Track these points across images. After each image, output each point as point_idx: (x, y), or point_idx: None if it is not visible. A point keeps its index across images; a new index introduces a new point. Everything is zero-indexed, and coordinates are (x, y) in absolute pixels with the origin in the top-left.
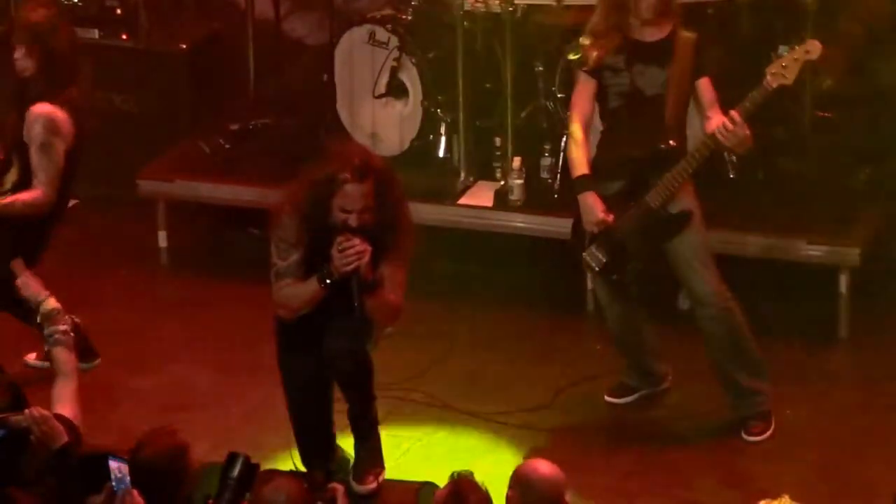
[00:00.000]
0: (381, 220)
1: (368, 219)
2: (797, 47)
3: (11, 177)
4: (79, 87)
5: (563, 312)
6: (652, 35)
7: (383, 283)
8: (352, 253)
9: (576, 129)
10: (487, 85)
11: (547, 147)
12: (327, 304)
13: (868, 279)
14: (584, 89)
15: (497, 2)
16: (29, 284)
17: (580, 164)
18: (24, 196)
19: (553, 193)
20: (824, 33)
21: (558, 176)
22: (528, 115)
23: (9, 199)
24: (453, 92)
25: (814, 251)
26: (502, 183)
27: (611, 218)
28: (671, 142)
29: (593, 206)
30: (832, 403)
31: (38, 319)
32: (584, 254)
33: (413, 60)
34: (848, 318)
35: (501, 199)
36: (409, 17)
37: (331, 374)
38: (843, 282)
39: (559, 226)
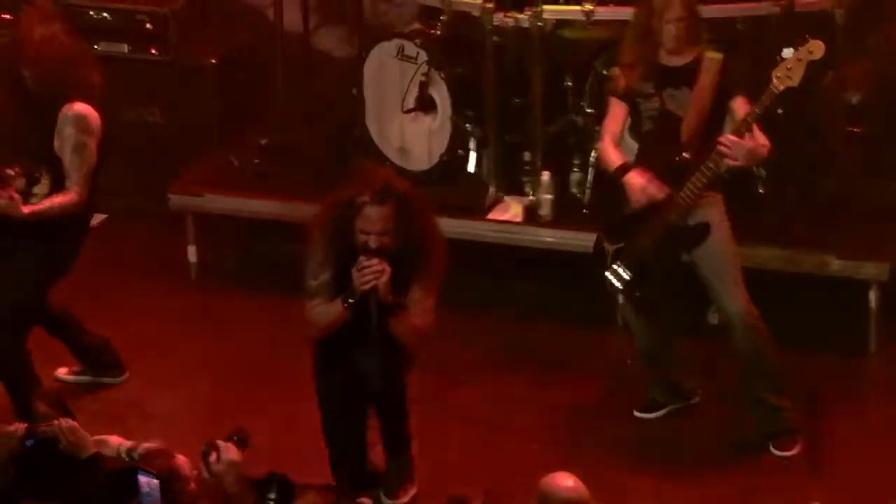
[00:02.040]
0: (407, 243)
1: (388, 241)
2: (801, 48)
3: (42, 189)
4: (92, 87)
5: (592, 326)
6: (678, 60)
7: (408, 306)
8: (368, 272)
9: (604, 141)
10: (516, 100)
11: (576, 162)
12: (361, 324)
13: None
14: (616, 113)
15: (526, 17)
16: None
17: (615, 158)
18: (59, 199)
19: (582, 208)
20: (853, 47)
21: (587, 191)
22: (557, 130)
23: (45, 203)
24: (482, 107)
25: (844, 266)
26: (531, 198)
27: (662, 193)
28: (685, 154)
29: (640, 182)
30: (863, 417)
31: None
32: (606, 272)
33: (442, 75)
34: (877, 333)
35: (531, 214)
36: (438, 32)
37: (365, 392)
38: (873, 296)
39: (588, 240)
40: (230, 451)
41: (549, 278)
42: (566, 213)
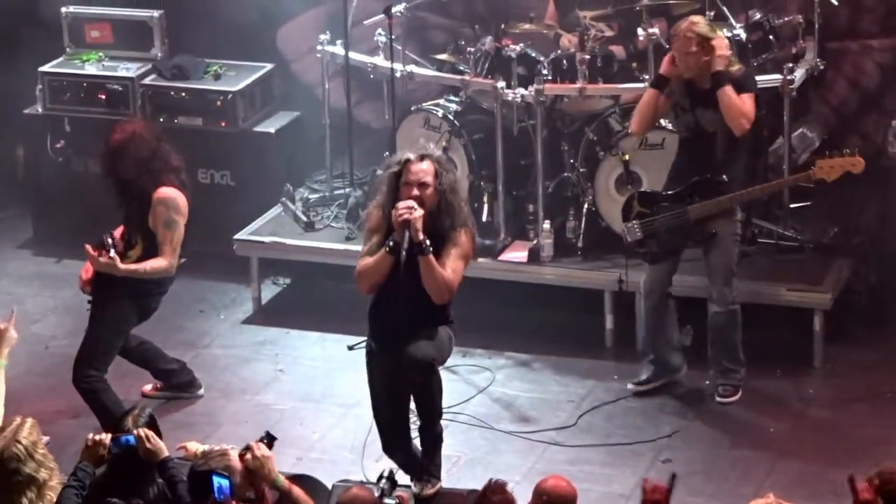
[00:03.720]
0: (442, 201)
1: (428, 194)
2: (847, 156)
3: (136, 252)
4: (176, 170)
5: (585, 349)
6: (707, 82)
7: (435, 254)
8: (403, 207)
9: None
10: (522, 161)
11: (571, 212)
12: (403, 307)
13: (838, 319)
14: (651, 95)
15: (530, 93)
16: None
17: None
18: (151, 262)
19: (577, 251)
20: (802, 117)
21: (581, 236)
22: (556, 186)
23: (140, 265)
24: (494, 167)
25: (793, 296)
26: (535, 242)
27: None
28: (724, 177)
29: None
30: (808, 421)
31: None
32: (626, 223)
33: (461, 141)
34: (821, 352)
35: (534, 256)
36: (458, 107)
37: (405, 382)
38: (818, 321)
39: (582, 277)
40: (262, 448)
41: (549, 308)
42: (563, 254)
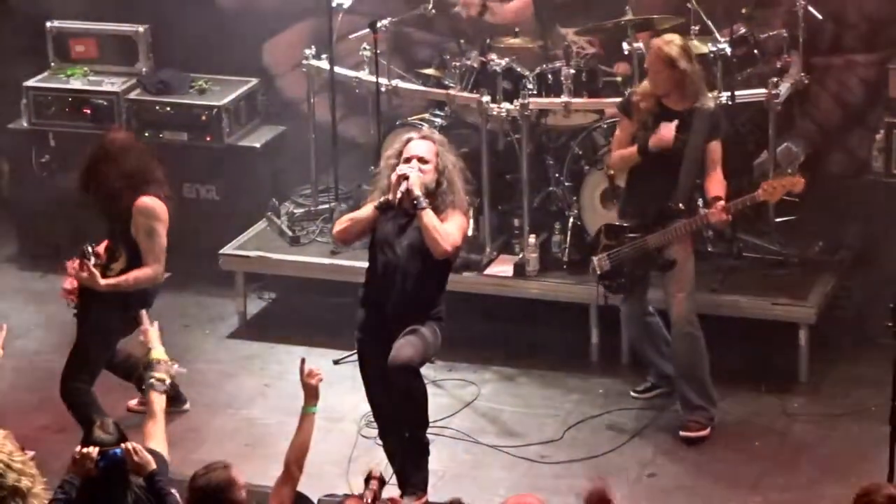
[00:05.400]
0: (441, 183)
1: (427, 169)
2: (788, 177)
3: (119, 264)
4: (159, 182)
5: (571, 363)
6: (677, 104)
7: (432, 211)
8: (404, 167)
9: (612, 153)
10: (507, 176)
11: (557, 226)
12: (394, 299)
13: (823, 334)
14: (623, 129)
15: (515, 107)
16: (148, 334)
17: (629, 148)
18: (135, 273)
19: (562, 265)
20: (786, 131)
21: (566, 250)
22: (542, 200)
23: (122, 276)
24: (479, 182)
25: (778, 310)
26: (520, 256)
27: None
28: (680, 205)
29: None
30: (793, 436)
31: (143, 366)
32: (593, 257)
33: None
34: (806, 366)
35: (519, 270)
36: (443, 121)
37: (392, 382)
38: (803, 336)
39: (568, 292)
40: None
41: (534, 322)
42: (549, 269)
